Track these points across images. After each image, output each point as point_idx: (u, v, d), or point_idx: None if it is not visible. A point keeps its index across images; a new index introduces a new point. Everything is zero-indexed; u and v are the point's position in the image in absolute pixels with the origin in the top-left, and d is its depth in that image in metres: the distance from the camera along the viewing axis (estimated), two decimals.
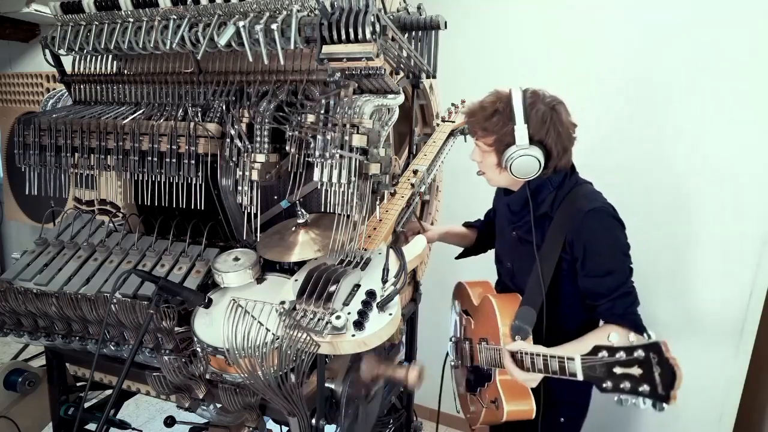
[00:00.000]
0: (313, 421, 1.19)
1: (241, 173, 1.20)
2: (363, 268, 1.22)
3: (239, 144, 1.20)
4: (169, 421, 1.43)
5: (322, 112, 1.17)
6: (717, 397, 2.12)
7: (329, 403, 1.22)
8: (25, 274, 1.39)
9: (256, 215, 1.20)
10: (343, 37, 1.11)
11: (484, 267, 1.75)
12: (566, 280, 1.37)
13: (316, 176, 1.12)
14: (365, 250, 1.28)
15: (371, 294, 1.12)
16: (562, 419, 1.47)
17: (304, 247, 1.28)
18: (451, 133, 1.77)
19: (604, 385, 1.03)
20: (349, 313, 1.08)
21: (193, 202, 1.23)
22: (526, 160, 1.30)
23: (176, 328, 1.21)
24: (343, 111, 1.12)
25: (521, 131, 1.29)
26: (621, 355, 1.01)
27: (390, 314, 1.09)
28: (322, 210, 1.42)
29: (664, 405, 0.97)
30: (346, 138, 1.09)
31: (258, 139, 1.19)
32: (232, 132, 1.21)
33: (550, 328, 1.33)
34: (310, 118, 1.16)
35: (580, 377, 1.08)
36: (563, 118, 1.33)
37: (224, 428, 1.30)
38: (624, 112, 2.13)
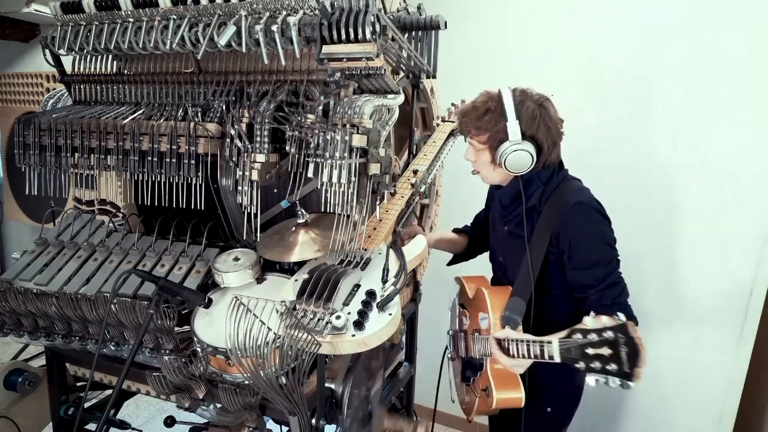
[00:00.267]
0: (313, 421, 1.19)
1: (241, 173, 1.20)
2: (363, 268, 1.22)
3: (239, 144, 1.20)
4: (169, 421, 1.43)
5: (322, 112, 1.17)
6: (717, 397, 2.12)
7: (329, 403, 1.22)
8: (25, 274, 1.39)
9: (256, 215, 1.20)
10: (343, 37, 1.11)
11: (483, 266, 1.75)
12: (554, 272, 1.42)
13: (315, 175, 1.12)
14: (365, 250, 1.28)
15: (371, 294, 1.12)
16: (549, 409, 1.50)
17: (304, 247, 1.28)
18: (451, 133, 1.78)
19: (578, 366, 1.10)
20: (349, 313, 1.08)
21: (193, 202, 1.23)
22: (520, 155, 1.35)
23: (176, 328, 1.21)
24: (343, 111, 1.12)
25: (513, 127, 1.34)
26: (593, 336, 1.09)
27: (390, 314, 1.09)
28: (322, 210, 1.42)
29: (630, 384, 1.04)
30: (347, 138, 1.09)
31: (258, 139, 1.19)
32: (232, 132, 1.21)
33: (539, 318, 1.38)
34: (310, 118, 1.16)
35: (557, 359, 1.15)
36: (552, 113, 1.39)
37: (224, 428, 1.30)
38: (624, 111, 2.13)
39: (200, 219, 1.43)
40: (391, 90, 1.23)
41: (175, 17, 1.25)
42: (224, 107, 1.25)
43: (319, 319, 1.07)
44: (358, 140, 1.09)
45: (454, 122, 1.79)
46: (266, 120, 1.18)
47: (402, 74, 1.43)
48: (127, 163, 1.28)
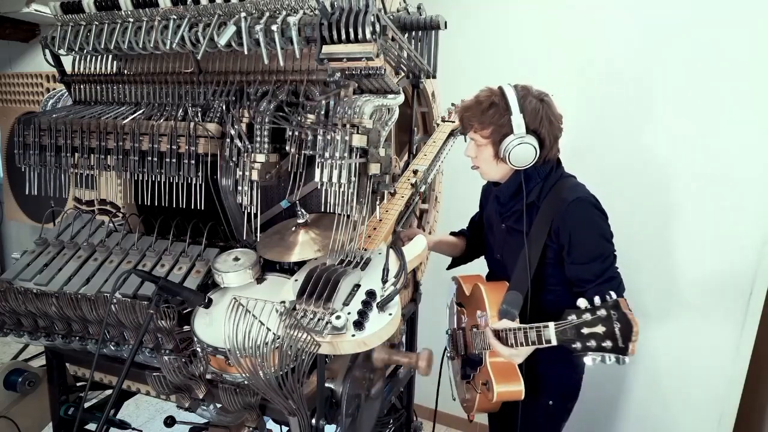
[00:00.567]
0: (313, 421, 1.19)
1: (241, 173, 1.20)
2: (363, 268, 1.22)
3: (239, 144, 1.20)
4: (169, 421, 1.43)
5: (322, 112, 1.17)
6: (717, 397, 2.12)
7: (329, 403, 1.22)
8: (25, 274, 1.39)
9: (256, 215, 1.20)
10: (343, 37, 1.11)
11: (482, 267, 1.76)
12: (551, 266, 1.44)
13: (316, 177, 1.12)
14: (365, 250, 1.28)
15: (371, 294, 1.12)
16: (551, 402, 1.52)
17: (304, 247, 1.28)
18: (451, 133, 1.78)
19: (574, 346, 1.14)
20: (349, 313, 1.08)
21: (193, 202, 1.23)
22: (524, 149, 1.37)
23: (176, 328, 1.21)
24: (343, 111, 1.12)
25: (518, 120, 1.36)
26: (587, 316, 1.12)
27: (390, 314, 1.09)
28: (322, 210, 1.42)
29: (626, 359, 1.08)
30: (347, 138, 1.09)
31: (258, 139, 1.19)
32: (232, 132, 1.21)
33: (535, 312, 1.40)
34: (310, 118, 1.16)
35: (554, 342, 1.18)
36: (553, 108, 1.41)
37: (224, 428, 1.30)
38: (624, 111, 2.13)
39: (200, 219, 1.43)
40: (391, 90, 1.23)
41: (175, 17, 1.25)
42: (224, 107, 1.25)
43: (319, 319, 1.07)
44: (358, 140, 1.09)
45: (454, 122, 1.79)
46: (266, 120, 1.18)
47: (402, 74, 1.43)
48: (127, 163, 1.28)
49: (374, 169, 1.13)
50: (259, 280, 1.31)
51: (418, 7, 1.38)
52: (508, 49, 2.32)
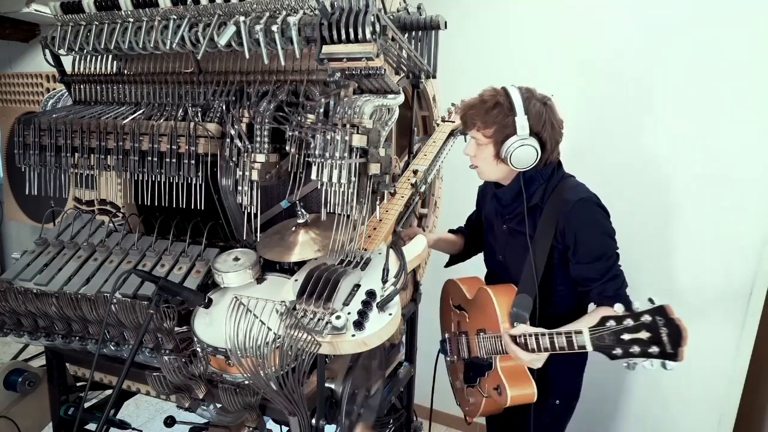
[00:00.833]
0: (313, 421, 1.19)
1: (241, 173, 1.20)
2: (363, 268, 1.22)
3: (239, 144, 1.20)
4: (169, 421, 1.43)
5: (322, 111, 1.17)
6: (717, 397, 2.12)
7: (329, 403, 1.22)
8: (25, 274, 1.39)
9: (256, 215, 1.20)
10: (343, 37, 1.11)
11: (477, 266, 1.76)
12: (558, 267, 1.44)
13: (315, 176, 1.12)
14: (365, 250, 1.28)
15: (371, 294, 1.12)
16: (558, 401, 1.52)
17: (304, 247, 1.28)
18: (451, 133, 1.77)
19: (614, 352, 1.10)
20: (349, 313, 1.08)
21: (193, 202, 1.23)
22: (526, 150, 1.36)
23: (176, 328, 1.21)
24: (343, 111, 1.12)
25: (522, 122, 1.35)
26: (628, 322, 1.09)
27: (390, 314, 1.09)
28: (322, 210, 1.42)
29: (673, 363, 1.04)
30: (347, 138, 1.09)
31: (258, 139, 1.19)
32: (232, 132, 1.21)
33: (542, 313, 1.40)
34: (310, 118, 1.16)
35: (589, 348, 1.16)
36: (556, 113, 1.42)
37: (224, 428, 1.30)
38: (624, 111, 2.13)
39: (200, 219, 1.43)
40: (391, 90, 1.23)
41: (175, 17, 1.25)
42: (224, 107, 1.25)
43: (319, 319, 1.07)
44: (358, 140, 1.09)
45: (454, 122, 1.79)
46: (266, 120, 1.18)
47: (402, 74, 1.43)
48: (127, 163, 1.28)
49: (374, 169, 1.13)
50: (259, 280, 1.31)
51: (418, 7, 1.38)
52: (508, 49, 2.32)
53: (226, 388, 1.17)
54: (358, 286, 1.15)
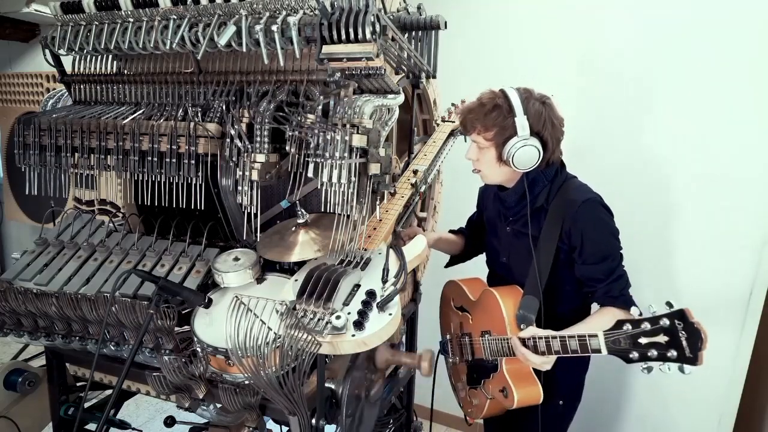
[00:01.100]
0: (313, 421, 1.19)
1: (241, 173, 1.20)
2: (363, 268, 1.22)
3: (239, 144, 1.20)
4: (169, 421, 1.43)
5: (322, 112, 1.17)
6: (717, 397, 2.12)
7: (329, 403, 1.22)
8: (25, 274, 1.39)
9: (256, 215, 1.20)
10: (343, 37, 1.11)
11: (482, 267, 1.76)
12: (563, 268, 1.43)
13: (315, 175, 1.12)
14: (365, 250, 1.28)
15: (371, 294, 1.12)
16: (561, 402, 1.53)
17: (304, 247, 1.28)
18: (451, 133, 1.77)
19: (631, 356, 1.10)
20: (349, 313, 1.08)
21: (193, 202, 1.23)
22: (528, 151, 1.36)
23: (176, 328, 1.21)
24: (343, 111, 1.12)
25: (522, 122, 1.35)
26: (646, 325, 1.09)
27: (390, 314, 1.09)
28: (322, 210, 1.42)
29: (691, 368, 1.05)
30: (347, 138, 1.09)
31: (258, 139, 1.19)
32: (232, 132, 1.21)
33: (547, 314, 1.40)
34: (310, 118, 1.16)
35: (604, 352, 1.16)
36: (555, 112, 1.41)
37: (224, 428, 1.30)
38: (624, 111, 2.13)
39: (200, 219, 1.43)
40: (391, 90, 1.23)
41: (175, 17, 1.25)
42: (224, 107, 1.25)
43: (319, 319, 1.07)
44: (358, 140, 1.09)
45: (454, 122, 1.79)
46: (266, 120, 1.18)
47: (402, 74, 1.43)
48: (127, 163, 1.28)
49: (374, 169, 1.13)
50: (259, 280, 1.31)
51: (418, 7, 1.38)
52: (508, 49, 2.32)
53: (226, 388, 1.17)
54: (358, 286, 1.15)
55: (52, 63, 1.44)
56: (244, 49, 1.18)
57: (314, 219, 1.37)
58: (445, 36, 1.44)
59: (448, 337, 1.73)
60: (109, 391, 1.67)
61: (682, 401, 2.21)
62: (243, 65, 1.32)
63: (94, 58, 1.44)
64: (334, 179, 1.09)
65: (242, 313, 1.06)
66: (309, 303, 1.10)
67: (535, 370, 1.38)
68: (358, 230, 1.21)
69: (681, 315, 1.06)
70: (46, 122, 1.33)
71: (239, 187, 1.20)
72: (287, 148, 1.18)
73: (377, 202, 1.22)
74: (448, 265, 1.86)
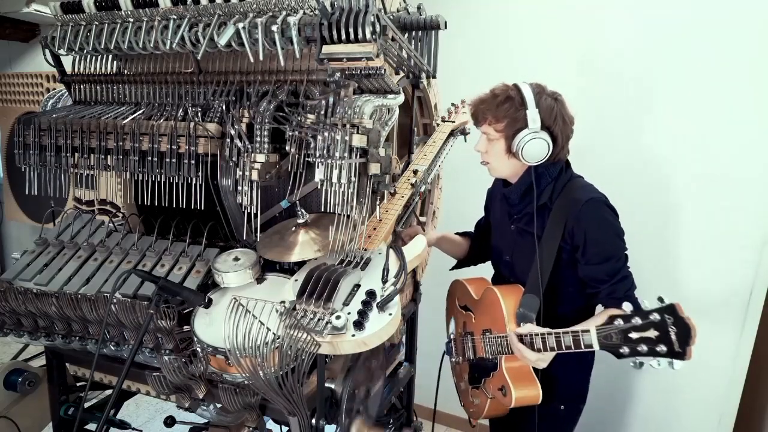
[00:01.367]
0: (313, 421, 1.19)
1: (241, 173, 1.20)
2: (363, 268, 1.22)
3: (239, 144, 1.20)
4: (169, 421, 1.43)
5: (322, 112, 1.17)
6: (717, 397, 2.12)
7: (329, 403, 1.22)
8: (25, 274, 1.39)
9: (256, 215, 1.20)
10: (343, 37, 1.11)
11: (483, 267, 1.75)
12: (565, 267, 1.42)
13: (317, 176, 1.12)
14: (365, 250, 1.28)
15: (371, 294, 1.12)
16: (563, 407, 1.51)
17: (304, 247, 1.28)
18: (451, 133, 1.77)
19: (621, 350, 1.10)
20: (349, 313, 1.08)
21: (193, 202, 1.23)
22: (538, 143, 1.35)
23: (176, 328, 1.21)
24: (343, 111, 1.12)
25: (533, 115, 1.35)
26: (636, 320, 1.09)
27: (390, 314, 1.09)
28: (322, 210, 1.42)
29: (680, 362, 1.04)
30: (347, 138, 1.09)
31: (258, 139, 1.19)
32: (232, 132, 1.21)
33: (549, 314, 1.39)
34: (310, 118, 1.16)
35: (596, 347, 1.15)
36: (567, 109, 1.41)
37: (224, 428, 1.30)
38: (624, 111, 2.13)
39: (200, 219, 1.43)
40: (391, 90, 1.23)
41: (175, 17, 1.25)
42: (224, 107, 1.25)
43: (319, 319, 1.07)
44: (358, 140, 1.09)
45: (454, 122, 1.79)
46: (266, 120, 1.18)
47: (402, 74, 1.43)
48: (127, 163, 1.28)
49: (374, 169, 1.13)
50: (259, 280, 1.31)
51: (418, 7, 1.38)
52: (508, 49, 2.32)
53: (226, 388, 1.17)
54: (358, 286, 1.15)
55: (52, 63, 1.44)
56: (248, 50, 1.18)
57: (314, 219, 1.37)
58: (445, 36, 1.44)
59: (452, 336, 1.73)
60: (109, 391, 1.67)
61: (682, 401, 2.21)
62: (243, 65, 1.32)
63: (94, 58, 1.44)
64: (334, 179, 1.09)
65: (240, 315, 1.06)
66: (309, 303, 1.10)
67: (535, 370, 1.38)
68: (358, 230, 1.21)
69: (671, 310, 1.06)
70: (46, 122, 1.33)
71: (239, 187, 1.20)
72: (287, 148, 1.18)
73: (377, 202, 1.22)
74: (453, 269, 1.84)
